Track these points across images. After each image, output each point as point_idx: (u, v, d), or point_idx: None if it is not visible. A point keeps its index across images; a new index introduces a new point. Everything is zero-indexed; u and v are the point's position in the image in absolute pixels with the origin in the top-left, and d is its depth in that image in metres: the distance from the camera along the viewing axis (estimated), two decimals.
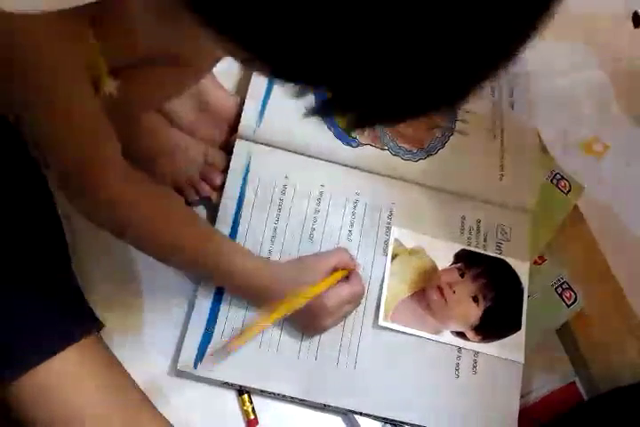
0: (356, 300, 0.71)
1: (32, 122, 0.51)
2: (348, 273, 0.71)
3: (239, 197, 0.75)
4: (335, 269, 0.70)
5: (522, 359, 0.75)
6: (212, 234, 0.69)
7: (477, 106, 0.86)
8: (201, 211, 0.77)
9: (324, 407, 0.71)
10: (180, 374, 0.69)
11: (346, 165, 0.79)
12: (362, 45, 0.29)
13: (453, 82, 0.32)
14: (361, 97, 0.33)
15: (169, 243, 0.63)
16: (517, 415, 0.73)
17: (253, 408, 0.70)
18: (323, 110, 0.35)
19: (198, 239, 0.65)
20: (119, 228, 0.61)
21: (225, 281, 0.69)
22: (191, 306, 0.71)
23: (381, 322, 0.73)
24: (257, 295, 0.69)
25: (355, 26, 0.29)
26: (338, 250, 0.73)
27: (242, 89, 0.80)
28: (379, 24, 0.29)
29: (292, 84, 0.33)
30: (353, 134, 0.79)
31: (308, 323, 0.70)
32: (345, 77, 0.31)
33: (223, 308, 0.70)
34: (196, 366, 0.68)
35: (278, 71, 0.32)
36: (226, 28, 0.31)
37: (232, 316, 0.70)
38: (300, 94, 0.33)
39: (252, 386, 0.69)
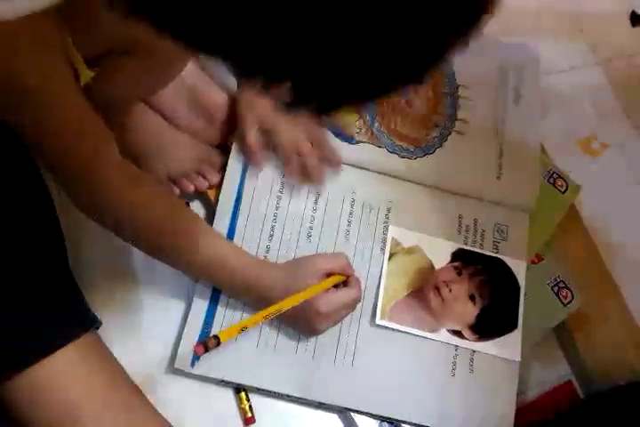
0: (352, 305, 0.71)
1: (25, 128, 0.52)
2: (345, 278, 0.70)
3: (237, 195, 0.75)
4: (331, 274, 0.69)
5: (518, 358, 0.75)
6: (210, 233, 0.69)
7: (477, 105, 0.86)
8: (199, 209, 0.77)
9: (320, 405, 0.71)
10: (177, 372, 0.69)
11: (344, 164, 0.79)
12: (312, 39, 0.29)
13: (406, 65, 0.32)
14: (320, 87, 0.33)
15: (168, 243, 0.64)
16: (514, 414, 0.73)
17: (250, 406, 0.70)
18: (290, 105, 0.34)
19: (197, 239, 0.65)
20: (119, 228, 0.62)
21: (223, 280, 0.69)
22: (188, 305, 0.71)
23: (378, 321, 0.73)
24: (249, 293, 0.69)
25: (301, 19, 0.29)
26: (335, 255, 0.73)
27: None
28: (327, 20, 0.29)
29: (255, 80, 0.33)
30: (351, 132, 0.79)
31: (303, 326, 0.70)
32: (302, 68, 0.31)
33: (220, 307, 0.70)
34: (193, 364, 0.68)
35: (237, 68, 0.32)
36: (179, 34, 0.31)
37: (229, 315, 0.70)
38: (264, 89, 0.33)
39: (250, 384, 0.69)
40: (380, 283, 0.75)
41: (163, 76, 0.65)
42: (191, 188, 0.74)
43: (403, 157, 0.80)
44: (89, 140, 0.54)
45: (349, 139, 0.79)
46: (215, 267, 0.67)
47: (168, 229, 0.63)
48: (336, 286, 0.70)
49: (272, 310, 0.63)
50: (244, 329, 0.62)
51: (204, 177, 0.75)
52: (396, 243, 0.77)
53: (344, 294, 0.69)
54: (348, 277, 0.71)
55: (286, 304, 0.64)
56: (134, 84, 0.62)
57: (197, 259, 0.66)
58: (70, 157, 0.54)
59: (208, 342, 0.60)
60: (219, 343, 0.60)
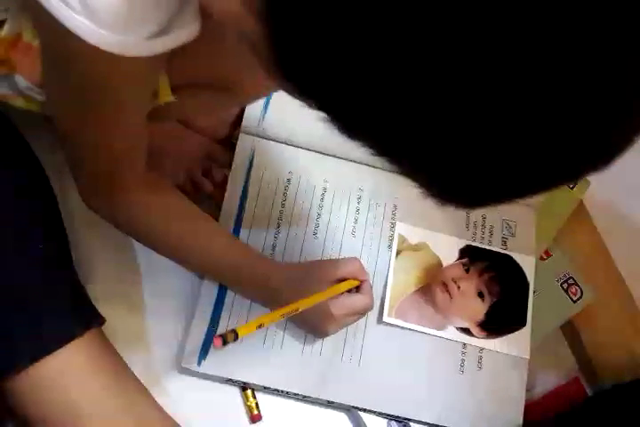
0: (363, 312, 0.70)
1: (75, 128, 0.53)
2: (358, 284, 0.69)
3: (242, 191, 0.75)
4: (344, 279, 0.68)
5: (527, 355, 0.75)
6: (219, 232, 0.69)
7: None
8: (204, 206, 0.76)
9: (328, 404, 0.71)
10: (183, 370, 0.69)
11: (350, 160, 0.78)
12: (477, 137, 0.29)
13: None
14: (471, 187, 0.32)
15: (176, 243, 0.65)
16: (523, 411, 0.73)
17: (257, 404, 0.70)
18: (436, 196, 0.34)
19: (207, 238, 0.66)
20: (136, 230, 0.64)
21: (232, 279, 0.69)
22: (194, 303, 0.70)
23: (386, 318, 0.72)
24: (257, 294, 0.69)
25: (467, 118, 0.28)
26: (350, 260, 0.71)
27: None
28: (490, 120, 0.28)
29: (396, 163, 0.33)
30: None
31: (311, 327, 0.69)
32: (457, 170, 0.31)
33: (226, 305, 0.70)
34: (199, 363, 0.67)
35: (380, 150, 0.33)
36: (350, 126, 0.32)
37: (235, 313, 0.70)
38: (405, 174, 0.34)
39: (256, 383, 0.69)
40: (387, 280, 0.74)
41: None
42: (196, 193, 0.75)
43: None
44: (127, 155, 0.56)
45: None
46: (224, 266, 0.67)
47: (177, 230, 0.64)
48: (348, 291, 0.69)
49: (289, 309, 0.62)
50: (261, 326, 0.62)
51: (210, 175, 0.75)
52: (402, 239, 0.77)
53: (358, 300, 0.68)
54: (361, 282, 0.69)
55: (303, 304, 0.63)
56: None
57: (206, 258, 0.66)
58: (100, 160, 0.56)
59: (227, 336, 0.59)
60: (236, 338, 0.60)
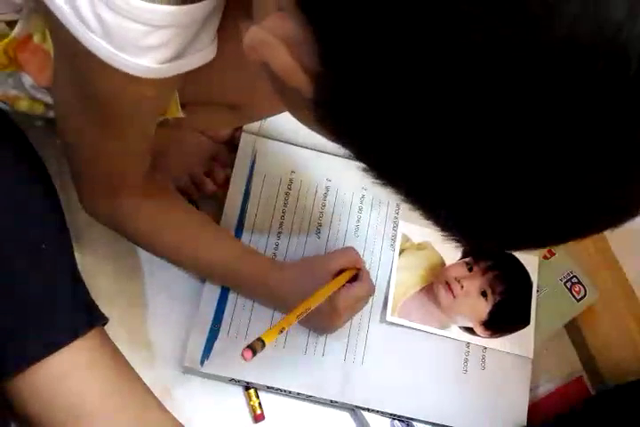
0: (366, 298, 0.70)
1: (78, 127, 0.53)
2: (356, 271, 0.69)
3: (245, 191, 0.75)
4: (343, 269, 0.68)
5: (531, 355, 0.75)
6: (220, 234, 0.69)
7: None
8: (207, 206, 0.76)
9: (331, 403, 0.70)
10: (186, 370, 0.69)
11: (352, 159, 0.78)
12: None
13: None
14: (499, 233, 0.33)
15: (182, 251, 0.66)
16: (526, 410, 0.73)
17: (260, 403, 0.70)
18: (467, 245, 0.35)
19: (208, 240, 0.67)
20: (136, 236, 0.65)
21: (232, 281, 0.69)
22: (197, 302, 0.70)
23: (389, 317, 0.72)
24: (260, 294, 0.69)
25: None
26: (345, 249, 0.71)
27: None
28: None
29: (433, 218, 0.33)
30: None
31: (318, 323, 0.69)
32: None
33: (229, 305, 0.70)
34: (202, 363, 0.67)
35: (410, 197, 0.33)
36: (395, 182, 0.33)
37: (238, 313, 0.70)
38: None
39: (259, 383, 0.69)
40: (390, 279, 0.74)
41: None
42: (199, 194, 0.75)
43: None
44: (129, 160, 0.57)
45: None
46: (225, 269, 0.67)
47: (177, 235, 0.65)
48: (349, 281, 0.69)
49: (302, 309, 0.61)
50: (282, 330, 0.61)
51: (212, 175, 0.75)
52: (406, 239, 0.76)
53: (360, 289, 0.68)
54: (358, 270, 0.69)
55: (313, 301, 0.62)
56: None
57: (207, 262, 0.67)
58: (101, 165, 0.56)
59: (255, 346, 0.58)
60: (264, 346, 0.59)
